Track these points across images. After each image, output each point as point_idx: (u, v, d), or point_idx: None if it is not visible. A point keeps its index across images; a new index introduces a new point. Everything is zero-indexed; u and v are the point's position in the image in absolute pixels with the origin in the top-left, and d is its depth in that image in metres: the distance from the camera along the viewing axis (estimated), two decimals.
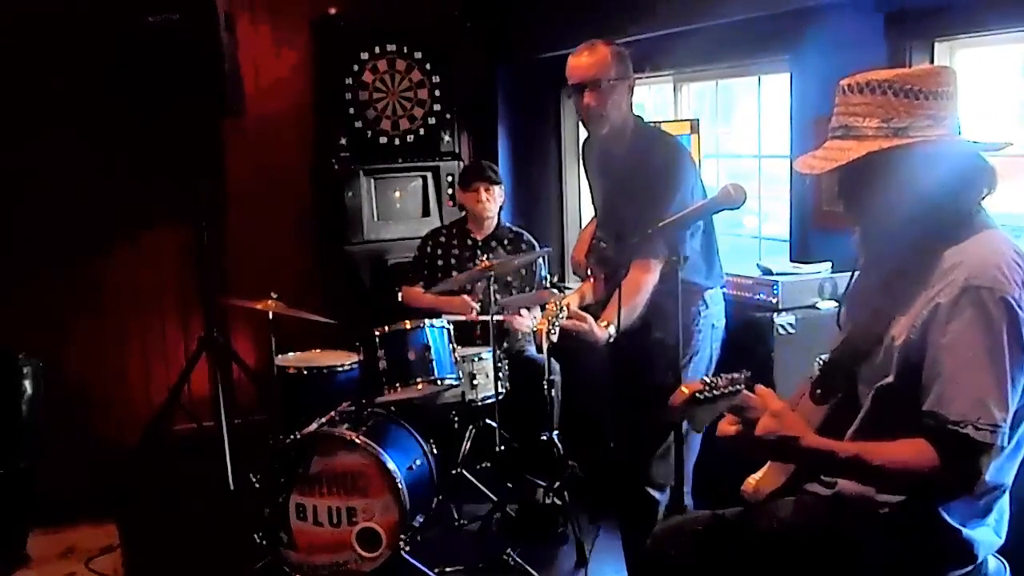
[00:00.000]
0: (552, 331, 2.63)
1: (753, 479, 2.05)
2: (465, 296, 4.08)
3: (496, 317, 3.65)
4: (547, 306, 2.72)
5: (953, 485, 1.73)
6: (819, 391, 1.94)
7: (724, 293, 3.26)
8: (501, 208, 4.33)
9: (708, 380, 1.76)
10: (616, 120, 2.90)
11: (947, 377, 1.69)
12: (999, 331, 1.68)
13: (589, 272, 3.16)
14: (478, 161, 4.37)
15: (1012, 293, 1.69)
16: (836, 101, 1.87)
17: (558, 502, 3.68)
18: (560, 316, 2.66)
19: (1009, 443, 1.72)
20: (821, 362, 2.01)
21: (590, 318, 2.72)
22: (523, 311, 4.08)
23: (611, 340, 2.74)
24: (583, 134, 4.58)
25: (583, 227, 3.39)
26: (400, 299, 4.32)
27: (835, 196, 1.96)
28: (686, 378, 2.26)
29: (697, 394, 1.75)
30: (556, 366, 3.91)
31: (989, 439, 1.65)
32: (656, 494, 2.92)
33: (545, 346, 2.63)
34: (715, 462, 2.86)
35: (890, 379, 1.80)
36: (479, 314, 4.09)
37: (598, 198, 3.21)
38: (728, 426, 1.85)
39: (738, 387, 1.78)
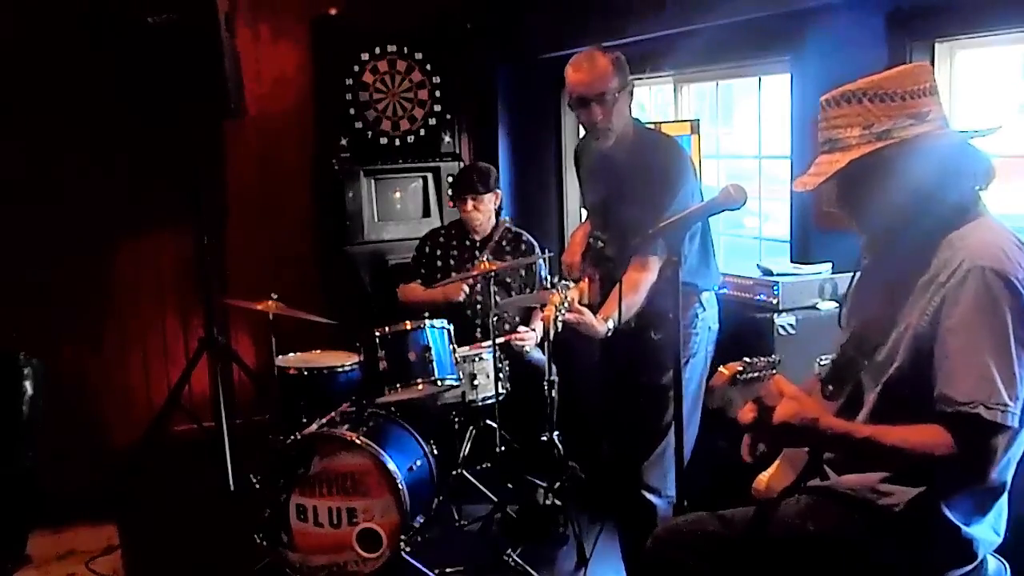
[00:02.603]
0: (559, 317, 2.64)
1: (764, 477, 2.05)
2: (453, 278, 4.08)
3: (499, 340, 3.66)
4: (551, 295, 2.73)
5: (969, 467, 1.73)
6: (830, 387, 1.95)
7: (724, 294, 3.27)
8: (500, 209, 4.33)
9: (747, 361, 1.78)
10: (620, 128, 2.91)
11: (954, 359, 1.70)
12: (1003, 311, 1.69)
13: (583, 273, 3.17)
14: (468, 169, 4.32)
15: (1016, 273, 1.71)
16: (819, 117, 1.90)
17: (558, 503, 3.68)
18: (563, 309, 2.66)
19: (1016, 443, 1.73)
20: (822, 363, 2.02)
21: (588, 312, 2.74)
22: (521, 327, 4.09)
23: (609, 334, 2.76)
24: (581, 135, 4.59)
25: (573, 230, 3.39)
26: (398, 298, 4.33)
27: (835, 200, 1.97)
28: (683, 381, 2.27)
29: (737, 375, 1.77)
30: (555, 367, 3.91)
31: (1000, 419, 1.66)
32: (653, 499, 2.92)
33: (552, 333, 2.65)
34: (709, 463, 2.87)
35: (897, 366, 1.81)
36: (471, 299, 4.10)
37: (595, 201, 3.20)
38: (748, 413, 1.86)
39: (773, 370, 1.79)
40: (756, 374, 1.78)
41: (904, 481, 1.85)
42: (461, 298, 4.10)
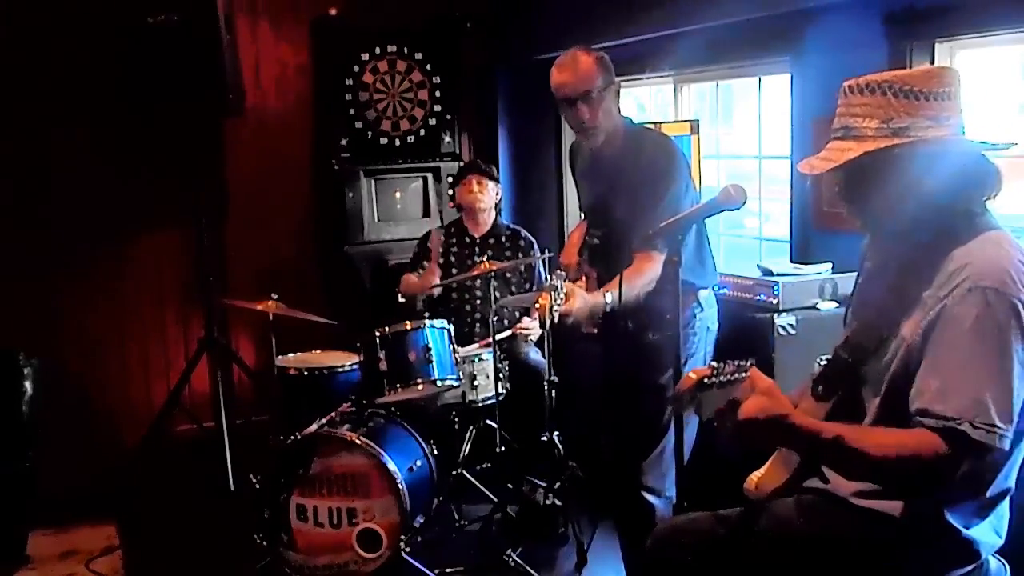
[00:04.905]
0: (554, 307, 2.62)
1: (755, 476, 2.04)
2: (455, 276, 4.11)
3: (501, 335, 3.66)
4: (547, 280, 2.69)
5: (963, 484, 1.72)
6: (820, 388, 1.94)
7: (724, 294, 3.26)
8: (500, 209, 4.33)
9: (715, 365, 1.76)
10: (608, 127, 2.90)
11: (947, 374, 1.68)
12: (1005, 333, 1.67)
13: (580, 272, 3.17)
14: (471, 160, 4.38)
15: (1020, 296, 1.69)
16: (838, 102, 1.87)
17: (558, 503, 3.68)
18: (559, 299, 2.64)
19: (1015, 452, 1.72)
20: (822, 363, 2.01)
21: (579, 293, 2.70)
22: (524, 318, 4.09)
23: (608, 308, 2.72)
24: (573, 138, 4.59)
25: (570, 233, 3.39)
26: (399, 295, 4.33)
27: (835, 197, 1.96)
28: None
29: (705, 379, 1.75)
30: None
31: (986, 439, 1.63)
32: (652, 499, 2.91)
33: (548, 322, 2.62)
34: (708, 463, 2.86)
35: (891, 377, 1.80)
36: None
37: (589, 201, 3.20)
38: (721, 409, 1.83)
39: (744, 373, 1.77)
40: (725, 378, 1.76)
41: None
42: (434, 285, 4.07)
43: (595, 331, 3.06)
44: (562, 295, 2.66)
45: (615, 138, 2.94)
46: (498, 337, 3.70)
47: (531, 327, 4.03)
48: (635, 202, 2.82)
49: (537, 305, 2.69)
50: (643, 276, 2.77)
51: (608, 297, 2.73)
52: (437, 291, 4.14)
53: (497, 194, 4.26)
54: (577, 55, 2.87)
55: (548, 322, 2.63)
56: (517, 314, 4.23)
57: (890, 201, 1.84)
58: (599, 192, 3.09)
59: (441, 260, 4.26)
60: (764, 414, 1.70)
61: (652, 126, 3.92)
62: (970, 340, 1.68)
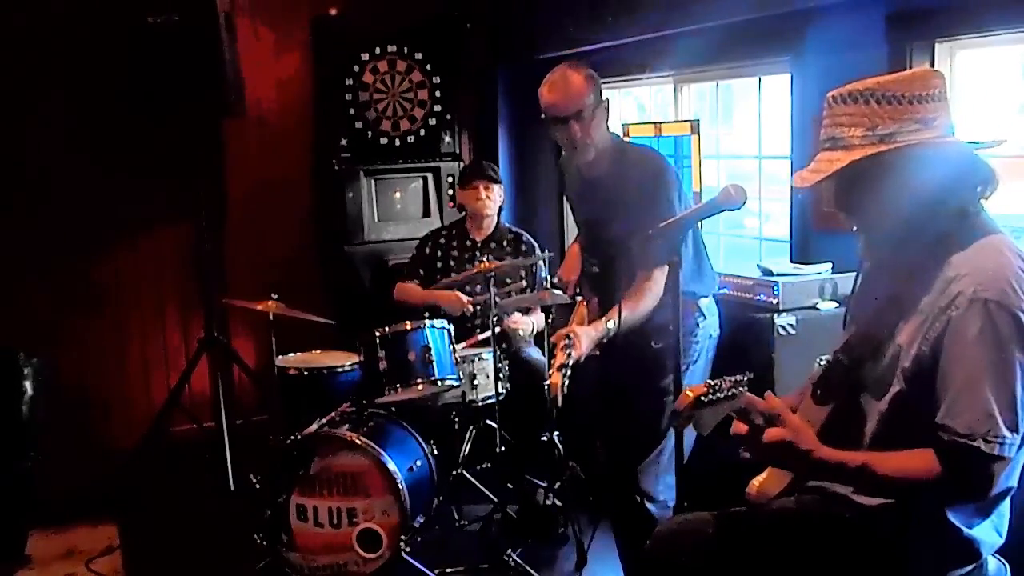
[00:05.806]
0: (565, 383, 2.61)
1: (757, 481, 2.04)
2: (457, 292, 4.06)
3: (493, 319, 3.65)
4: (556, 355, 2.65)
5: (967, 493, 1.76)
6: (820, 392, 1.94)
7: (724, 294, 3.26)
8: (501, 209, 4.33)
9: (712, 383, 1.77)
10: (599, 143, 2.89)
11: (956, 391, 1.70)
12: (1008, 345, 1.69)
13: (578, 292, 3.16)
14: (478, 160, 4.37)
15: (1021, 306, 1.70)
16: (824, 113, 1.87)
17: (558, 503, 3.68)
18: (569, 363, 2.61)
19: (1018, 452, 1.73)
20: (822, 363, 2.01)
21: (583, 332, 2.69)
22: (517, 313, 4.08)
23: (610, 334, 2.73)
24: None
25: (569, 245, 3.38)
26: (394, 296, 4.32)
27: (832, 201, 1.96)
28: (683, 386, 2.26)
29: (701, 397, 1.76)
30: None
31: (997, 451, 1.67)
32: (649, 506, 2.91)
33: (560, 398, 2.60)
34: (708, 464, 2.86)
35: (902, 388, 1.81)
36: (474, 310, 4.07)
37: (583, 219, 3.20)
38: (740, 425, 1.86)
39: (741, 389, 1.79)
40: (722, 395, 1.78)
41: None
42: (464, 311, 4.05)
43: (597, 353, 3.06)
44: (571, 364, 2.63)
45: (604, 155, 2.92)
46: (488, 335, 3.67)
47: (520, 322, 4.02)
48: (632, 222, 2.79)
49: (549, 380, 2.66)
50: (645, 299, 2.78)
51: (611, 324, 2.73)
52: (469, 309, 4.08)
53: (501, 196, 4.26)
54: (567, 73, 2.87)
55: (560, 397, 2.60)
56: (517, 315, 4.23)
57: (884, 207, 1.84)
58: (594, 215, 3.07)
59: (440, 264, 4.26)
60: (791, 449, 1.75)
61: (651, 125, 3.92)
62: (975, 355, 1.70)
